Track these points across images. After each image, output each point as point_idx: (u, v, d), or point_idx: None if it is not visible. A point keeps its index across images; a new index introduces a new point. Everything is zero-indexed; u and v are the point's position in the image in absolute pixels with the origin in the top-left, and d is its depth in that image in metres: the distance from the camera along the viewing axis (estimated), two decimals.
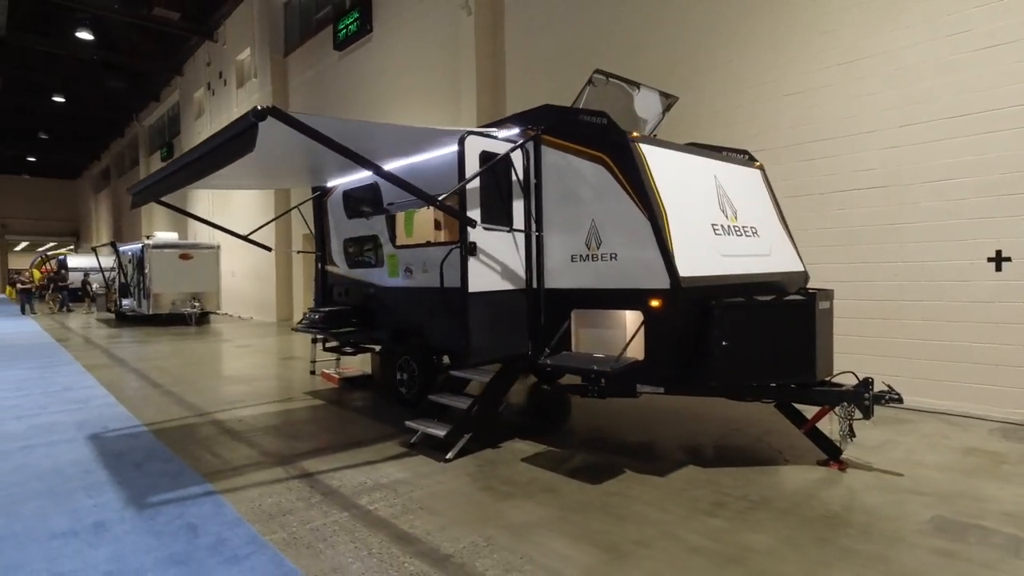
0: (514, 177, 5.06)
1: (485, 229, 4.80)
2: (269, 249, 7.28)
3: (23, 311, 23.59)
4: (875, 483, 4.17)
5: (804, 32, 7.04)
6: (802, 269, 5.68)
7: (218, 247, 18.67)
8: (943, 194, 6.12)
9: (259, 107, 3.54)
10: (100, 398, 7.36)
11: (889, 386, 4.36)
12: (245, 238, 6.22)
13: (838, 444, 4.55)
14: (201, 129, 24.16)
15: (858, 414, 4.34)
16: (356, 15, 14.87)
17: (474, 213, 4.74)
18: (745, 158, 6.07)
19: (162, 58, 26.04)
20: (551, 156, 5.05)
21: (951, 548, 3.20)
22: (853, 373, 4.60)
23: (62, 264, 29.96)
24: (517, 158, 5.09)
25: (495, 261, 4.90)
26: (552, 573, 3.01)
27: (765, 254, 5.25)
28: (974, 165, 5.92)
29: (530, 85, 10.68)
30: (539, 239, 5.15)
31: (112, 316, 20.75)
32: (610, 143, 4.57)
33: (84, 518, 3.72)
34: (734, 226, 5.05)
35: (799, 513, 3.69)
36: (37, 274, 34.22)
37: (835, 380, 4.68)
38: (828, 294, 4.72)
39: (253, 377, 8.88)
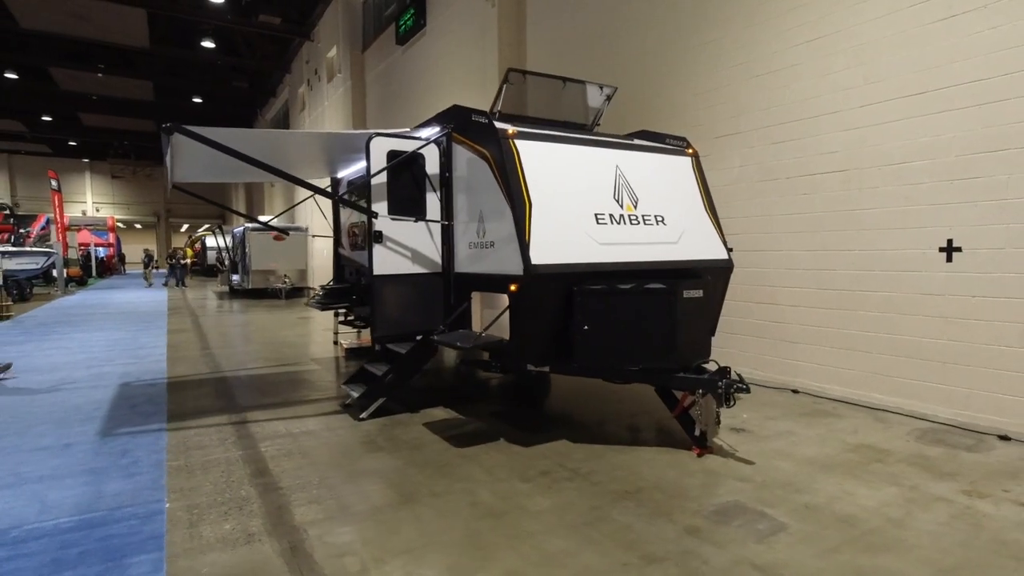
0: (428, 172, 5.61)
1: (392, 219, 5.42)
2: (286, 233, 8.46)
3: (165, 284, 27.85)
4: (714, 468, 4.30)
5: (776, 6, 6.75)
6: (723, 257, 5.67)
7: (307, 229, 20.86)
8: (899, 178, 5.72)
9: (166, 124, 4.45)
10: (156, 356, 9.02)
11: (739, 376, 4.41)
12: (267, 225, 7.44)
13: (703, 430, 4.67)
14: (303, 121, 26.76)
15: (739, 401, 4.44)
16: (412, 11, 15.83)
17: (381, 206, 5.38)
18: (682, 145, 6.10)
19: (274, 58, 29.06)
20: (459, 153, 5.53)
21: (704, 528, 3.39)
22: (715, 362, 4.69)
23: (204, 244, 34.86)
24: (432, 155, 5.63)
25: (404, 247, 5.52)
26: (342, 507, 3.66)
27: (670, 242, 5.36)
28: (929, 147, 5.49)
29: (551, 69, 10.94)
30: (450, 228, 5.68)
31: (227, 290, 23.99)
32: (490, 140, 4.97)
33: (63, 440, 4.95)
34: (630, 215, 5.22)
35: (605, 486, 3.99)
36: (190, 252, 40.11)
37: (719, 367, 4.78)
38: (704, 283, 4.80)
39: (288, 344, 10.25)
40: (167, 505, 3.68)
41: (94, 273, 34.52)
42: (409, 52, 16.69)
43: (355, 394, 5.69)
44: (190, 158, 5.84)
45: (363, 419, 5.51)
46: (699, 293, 4.74)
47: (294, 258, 20.57)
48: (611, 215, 5.11)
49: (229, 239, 23.26)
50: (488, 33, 11.91)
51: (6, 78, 29.64)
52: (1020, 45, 4.90)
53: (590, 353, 4.70)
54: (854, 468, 4.28)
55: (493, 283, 5.02)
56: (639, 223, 5.24)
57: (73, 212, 47.01)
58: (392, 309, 5.46)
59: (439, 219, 5.66)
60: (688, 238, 5.48)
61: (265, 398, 6.40)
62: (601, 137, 5.68)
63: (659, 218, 5.39)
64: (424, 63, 15.80)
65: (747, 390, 4.30)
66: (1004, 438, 4.86)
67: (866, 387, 6.03)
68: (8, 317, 13.82)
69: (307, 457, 4.55)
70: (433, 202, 5.65)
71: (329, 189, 8.61)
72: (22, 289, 18.56)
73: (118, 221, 49.21)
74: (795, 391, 6.50)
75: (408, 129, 5.76)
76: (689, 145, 6.11)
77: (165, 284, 27.77)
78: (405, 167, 5.48)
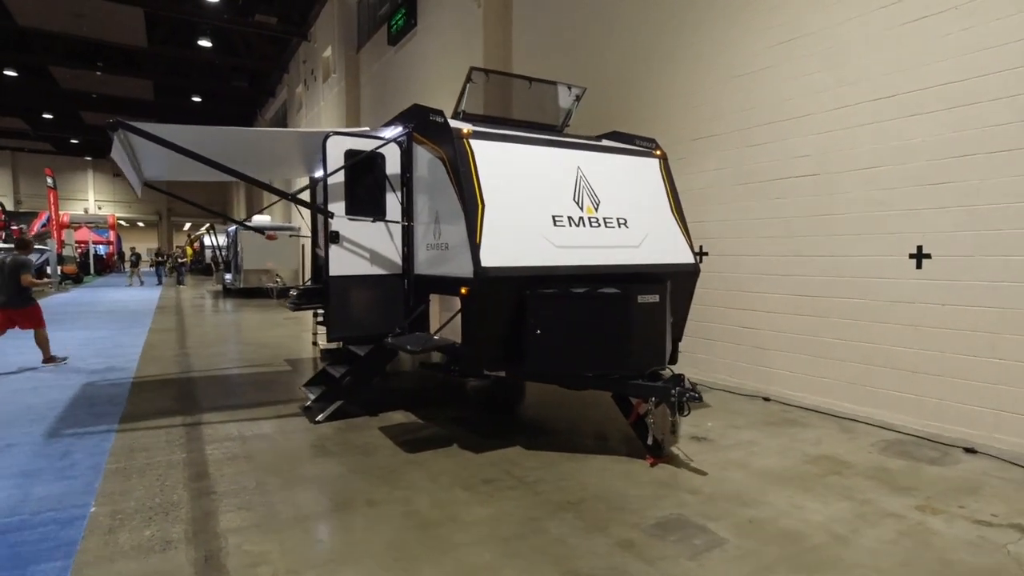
0: (388, 172, 5.51)
1: (349, 220, 5.32)
2: (262, 232, 8.40)
3: (160, 283, 27.84)
4: (664, 478, 4.18)
5: (756, 6, 6.63)
6: (689, 261, 5.55)
7: (299, 229, 20.79)
8: (870, 183, 5.59)
9: (110, 121, 4.36)
10: (131, 356, 8.94)
11: (693, 384, 4.29)
12: (243, 224, 7.37)
13: (657, 439, 4.54)
14: (300, 121, 26.75)
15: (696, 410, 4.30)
16: (403, 11, 15.78)
17: (339, 206, 5.29)
18: (651, 147, 5.99)
19: (273, 58, 29.09)
20: (419, 153, 5.43)
21: (639, 542, 3.26)
22: (670, 370, 4.57)
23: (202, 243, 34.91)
24: (393, 155, 5.54)
25: (362, 248, 5.42)
26: (271, 514, 3.55)
27: (632, 245, 5.24)
28: (900, 151, 5.36)
29: (535, 71, 10.84)
30: (410, 229, 5.57)
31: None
32: (445, 139, 4.86)
33: (6, 440, 4.86)
34: (590, 217, 5.11)
35: (548, 496, 3.87)
36: (190, 250, 40.25)
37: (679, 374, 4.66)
38: (660, 289, 4.68)
39: (267, 344, 10.16)
40: (92, 510, 3.58)
41: (92, 271, 34.60)
42: (401, 52, 16.62)
43: (312, 397, 5.58)
44: (155, 156, 5.76)
45: (319, 422, 5.40)
46: (655, 298, 4.62)
47: (287, 258, 20.51)
48: (570, 217, 5.00)
49: (223, 238, 23.25)
50: (475, 34, 11.83)
51: (7, 76, 29.75)
52: (991, 47, 4.77)
53: (542, 358, 4.59)
54: (809, 481, 4.14)
55: (447, 285, 4.92)
56: (600, 225, 5.13)
57: (75, 210, 47.23)
58: (348, 310, 5.36)
59: (399, 220, 5.56)
60: (651, 241, 5.36)
61: (227, 399, 6.31)
62: (563, 138, 5.57)
63: (621, 221, 5.27)
64: (415, 63, 15.74)
65: (699, 399, 4.18)
66: (970, 451, 4.72)
67: (837, 396, 5.89)
68: None
69: (251, 461, 4.45)
70: (394, 203, 5.55)
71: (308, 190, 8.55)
72: None
73: (121, 219, 49.36)
74: (767, 399, 6.37)
75: (368, 128, 5.65)
76: (658, 147, 6.00)
77: (160, 283, 27.77)
78: (364, 167, 5.38)
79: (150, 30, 24.70)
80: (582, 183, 5.22)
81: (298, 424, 5.41)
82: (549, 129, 6.23)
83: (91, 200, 54.43)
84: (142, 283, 27.42)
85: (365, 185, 5.44)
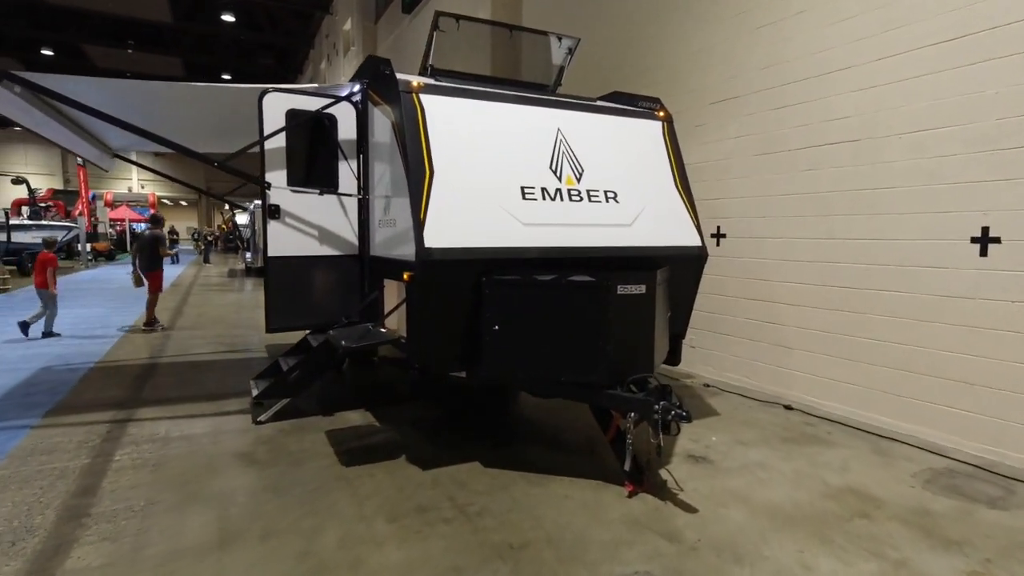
0: (342, 136, 4.76)
1: (292, 192, 4.60)
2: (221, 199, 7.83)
3: (174, 262, 27.95)
4: (640, 515, 3.35)
5: None
6: (693, 243, 4.63)
7: None
8: (923, 149, 4.54)
9: None
10: (112, 336, 8.54)
11: (680, 401, 3.43)
12: (220, 197, 6.80)
13: (639, 463, 3.71)
14: None
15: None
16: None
17: (278, 175, 4.56)
18: (653, 107, 5.06)
19: (298, 34, 28.61)
20: (375, 114, 4.64)
21: None
22: (654, 378, 3.71)
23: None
24: (346, 116, 4.77)
25: (309, 225, 4.70)
26: (137, 547, 2.89)
27: (622, 223, 4.36)
28: (962, 109, 4.29)
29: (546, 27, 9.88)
30: (366, 203, 4.82)
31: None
32: (392, 94, 4.06)
33: None
34: (570, 190, 4.25)
35: (487, 534, 3.10)
36: (223, 228, 40.75)
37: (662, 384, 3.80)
38: (648, 278, 3.79)
39: (256, 326, 9.65)
40: None
41: (128, 248, 35.24)
42: (416, 20, 15.79)
43: (256, 392, 4.94)
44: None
45: (261, 422, 4.76)
46: (640, 289, 3.74)
47: None
48: (544, 189, 4.15)
49: (246, 217, 23.08)
50: None
51: (44, 55, 30.19)
52: None
53: (500, 359, 3.80)
54: (827, 525, 3.26)
55: (395, 270, 4.16)
56: (582, 200, 4.26)
57: (119, 188, 48.29)
58: (291, 296, 4.67)
59: (353, 192, 4.81)
60: (647, 220, 4.46)
61: (179, 390, 5.75)
62: (538, 94, 4.69)
63: (610, 194, 4.39)
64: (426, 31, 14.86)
65: (687, 419, 3.32)
66: None
67: (871, 407, 4.91)
68: (4, 291, 13.79)
69: (158, 471, 3.83)
70: (348, 173, 4.80)
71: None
72: None
73: (163, 198, 50.28)
74: (787, 407, 5.42)
75: (317, 85, 4.89)
76: (661, 107, 5.05)
77: (175, 262, 27.71)
78: (312, 131, 4.63)
79: (173, 5, 24.48)
80: (562, 148, 4.35)
81: (237, 423, 4.78)
82: (539, 90, 5.35)
83: (135, 179, 55.61)
84: (174, 261, 27.63)
85: (313, 152, 4.69)
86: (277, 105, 4.50)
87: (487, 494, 3.58)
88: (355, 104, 4.75)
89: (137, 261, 9.16)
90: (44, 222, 20.08)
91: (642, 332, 3.80)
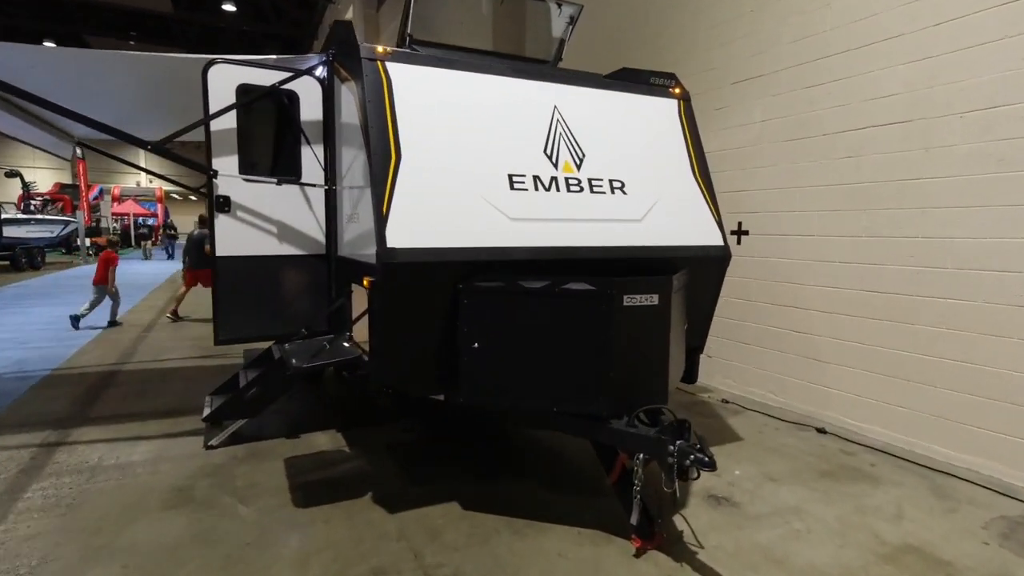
0: (304, 117, 4.10)
1: (245, 181, 3.95)
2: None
3: (170, 255, 27.54)
4: None
5: None
6: (715, 243, 3.94)
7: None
8: (987, 131, 3.81)
9: None
10: (84, 337, 7.98)
11: (700, 438, 2.75)
12: (195, 189, 6.16)
13: (650, 514, 3.03)
14: None
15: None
16: None
17: (228, 161, 3.92)
18: (667, 84, 4.35)
19: (303, 25, 28.01)
20: (342, 90, 3.98)
21: None
22: (669, 410, 3.03)
23: None
24: (310, 93, 4.11)
25: (266, 220, 4.06)
26: None
27: (631, 219, 3.67)
28: None
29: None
30: (334, 194, 4.17)
31: None
32: (354, 65, 3.40)
33: None
34: (569, 178, 3.57)
35: None
36: None
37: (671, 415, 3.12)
38: (661, 286, 3.10)
39: None
40: None
41: (133, 243, 34.92)
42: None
43: (208, 411, 4.32)
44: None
45: (212, 447, 4.14)
46: (652, 300, 3.06)
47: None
48: (536, 177, 3.47)
49: None
50: None
51: (47, 48, 29.83)
52: None
53: (480, 383, 3.14)
54: None
55: (358, 273, 3.50)
56: (582, 190, 3.58)
57: (128, 183, 48.07)
58: (244, 303, 4.04)
59: (317, 182, 4.16)
60: (660, 215, 3.78)
61: (133, 404, 5.14)
62: (530, 64, 4.00)
63: (616, 184, 3.70)
64: (429, 18, 14.18)
65: (711, 467, 2.63)
66: None
67: (925, 435, 4.20)
68: None
69: (70, 514, 3.21)
70: (314, 159, 4.15)
71: None
72: (32, 257, 18.35)
73: (171, 193, 50.03)
74: (821, 430, 4.72)
75: (276, 57, 4.24)
76: (676, 83, 4.35)
77: (169, 258, 27.26)
78: (269, 109, 3.99)
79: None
80: (559, 129, 3.67)
81: (186, 447, 4.16)
82: (536, 65, 4.66)
83: (143, 173, 55.52)
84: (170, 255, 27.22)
85: (270, 134, 4.05)
86: (226, 79, 3.85)
87: (462, 549, 2.92)
88: (319, 79, 4.09)
89: (187, 260, 9.38)
90: (39, 216, 19.64)
91: (654, 353, 3.12)
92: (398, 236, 3.00)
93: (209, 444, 4.15)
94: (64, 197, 28.87)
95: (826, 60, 4.80)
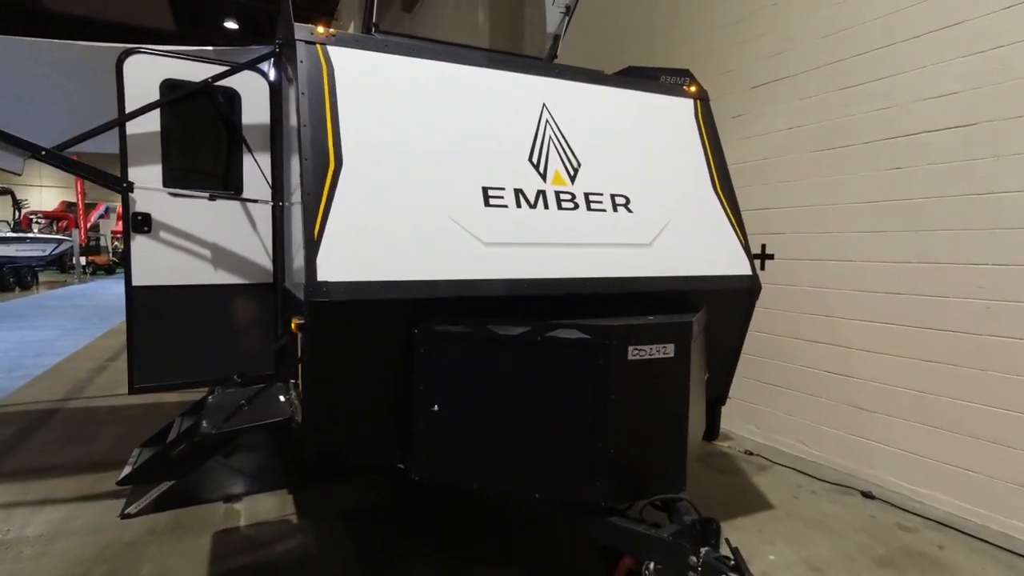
0: (247, 120, 3.44)
1: (171, 195, 3.28)
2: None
3: None
4: None
5: None
6: (741, 272, 3.22)
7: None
8: None
9: None
10: (40, 366, 7.32)
11: (735, 551, 2.00)
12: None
13: None
14: None
15: None
16: None
17: (150, 172, 3.25)
18: (681, 82, 3.68)
19: None
20: (289, 89, 3.32)
21: None
22: (689, 502, 2.28)
23: None
24: (255, 92, 3.46)
25: (197, 242, 3.37)
26: None
27: (636, 243, 2.97)
28: None
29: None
30: (283, 212, 3.49)
31: None
32: (291, 52, 2.73)
33: None
34: (560, 192, 2.87)
35: None
36: None
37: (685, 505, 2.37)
38: (678, 333, 2.38)
39: None
40: None
41: None
42: (416, 18, 14.70)
43: (126, 472, 3.60)
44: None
45: (130, 515, 3.41)
46: (667, 350, 2.33)
47: None
48: (519, 192, 2.78)
49: None
50: None
51: None
52: None
53: (440, 457, 2.42)
54: None
55: (294, 310, 2.81)
56: (577, 207, 2.89)
57: None
58: (167, 342, 3.34)
59: (264, 196, 3.48)
60: (673, 237, 3.07)
61: (55, 454, 4.42)
62: (515, 57, 3.34)
63: (619, 200, 3.01)
64: (429, 29, 13.74)
65: None
66: None
67: (1000, 507, 3.42)
68: None
69: None
70: (256, 170, 3.48)
71: None
72: (21, 277, 17.85)
73: None
74: (868, 494, 3.94)
75: (212, 48, 3.59)
76: (692, 81, 3.67)
77: None
78: (201, 110, 3.33)
79: (176, 13, 23.80)
80: (548, 132, 2.98)
81: (97, 516, 3.43)
82: (523, 58, 3.99)
83: None
84: None
85: (204, 140, 3.38)
86: (147, 73, 3.20)
87: None
88: (266, 76, 3.43)
89: None
90: (29, 235, 19.19)
91: (668, 422, 2.39)
92: (333, 266, 2.30)
93: (126, 512, 3.43)
94: (68, 216, 28.54)
95: (865, 56, 4.11)
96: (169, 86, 3.24)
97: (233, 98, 3.39)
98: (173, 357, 3.35)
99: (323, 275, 2.26)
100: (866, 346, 4.16)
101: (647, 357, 2.28)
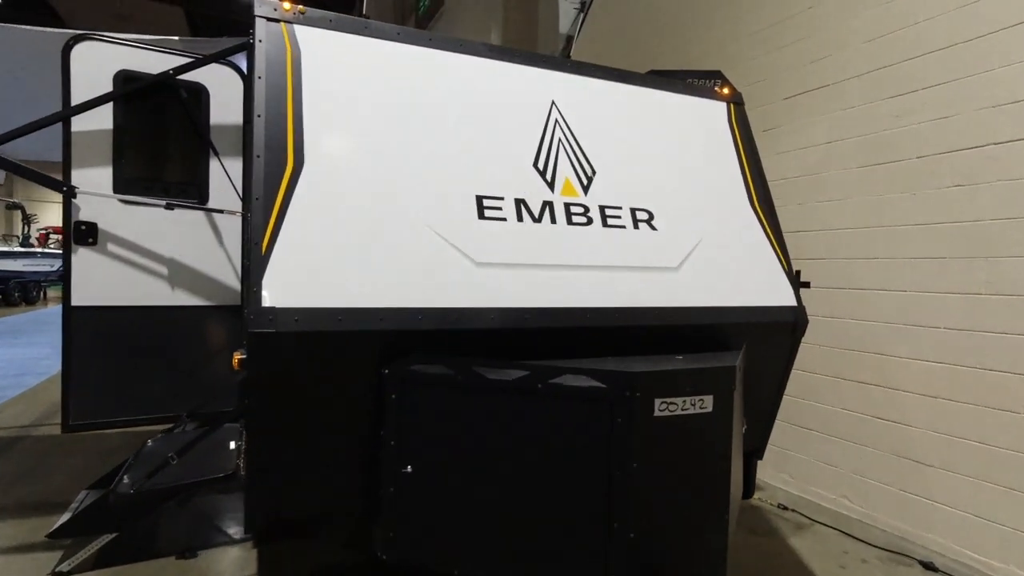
0: (215, 120, 3.03)
1: (122, 202, 2.86)
2: None
3: None
4: None
5: None
6: (785, 303, 2.72)
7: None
8: None
9: None
10: (18, 387, 6.92)
11: None
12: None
13: None
14: None
15: None
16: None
17: (95, 175, 2.83)
18: (712, 83, 3.23)
19: None
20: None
21: None
22: None
23: None
24: (226, 89, 3.05)
25: (152, 257, 2.94)
26: None
27: (661, 266, 2.48)
28: None
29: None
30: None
31: None
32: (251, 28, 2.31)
33: None
34: (570, 204, 2.41)
35: None
36: None
37: None
38: (719, 379, 1.88)
39: None
40: None
41: None
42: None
43: (59, 521, 3.11)
44: None
45: (62, 573, 2.92)
46: (706, 403, 1.83)
47: None
48: (521, 203, 2.32)
49: None
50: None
51: None
52: None
53: (413, 530, 1.91)
54: None
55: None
56: (590, 223, 2.41)
57: None
58: (112, 373, 2.88)
59: (233, 206, 3.05)
60: (705, 261, 2.58)
61: (6, 492, 3.96)
62: (525, 53, 2.91)
63: (641, 215, 2.53)
64: None
65: None
66: None
67: None
68: None
69: None
70: (223, 175, 3.05)
71: None
72: (27, 292, 17.67)
73: None
74: (929, 565, 3.35)
75: (178, 38, 3.20)
76: (724, 82, 3.21)
77: None
78: (160, 106, 2.92)
79: (192, 29, 24.07)
80: (558, 135, 2.53)
81: (31, 570, 2.95)
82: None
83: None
84: None
85: (164, 141, 2.97)
86: (99, 62, 2.81)
87: None
88: (239, 69, 3.03)
89: None
90: (38, 250, 19.08)
91: (705, 496, 1.87)
92: (284, 289, 1.84)
93: (57, 570, 2.94)
94: None
95: (919, 60, 3.64)
96: (125, 78, 2.84)
97: (200, 94, 2.99)
98: (119, 390, 2.89)
99: (271, 300, 1.80)
100: (922, 389, 3.61)
101: (679, 412, 1.78)
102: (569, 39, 3.97)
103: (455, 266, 2.10)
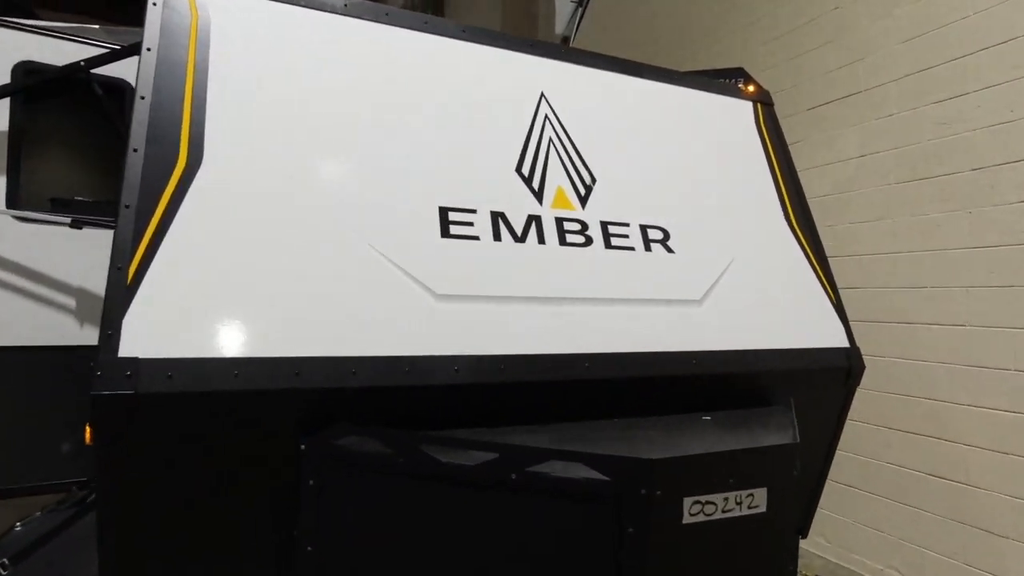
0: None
1: (17, 219, 2.34)
2: None
3: None
4: None
5: None
6: (837, 344, 2.16)
7: None
8: None
9: None
10: None
11: None
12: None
13: None
14: None
15: None
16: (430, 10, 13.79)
17: None
18: (735, 81, 2.73)
19: None
20: None
21: None
22: None
23: None
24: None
25: (56, 286, 2.41)
26: None
27: (680, 298, 1.94)
28: None
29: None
30: None
31: None
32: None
33: None
34: (563, 220, 1.88)
35: None
36: None
37: None
38: (773, 461, 1.32)
39: None
40: None
41: None
42: None
43: None
44: None
45: None
46: (758, 501, 1.26)
47: None
48: (501, 216, 1.79)
49: None
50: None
51: None
52: None
53: None
54: None
55: None
56: (589, 243, 1.88)
57: None
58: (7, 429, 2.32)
59: None
60: (734, 291, 2.04)
61: None
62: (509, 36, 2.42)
63: (652, 234, 2.00)
64: None
65: None
66: None
67: None
68: None
69: None
70: None
71: None
72: None
73: None
74: None
75: (99, 26, 2.72)
76: (749, 80, 2.71)
77: None
78: (70, 104, 2.43)
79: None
80: (547, 133, 2.02)
81: None
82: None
83: None
84: None
85: (74, 146, 2.48)
86: None
87: None
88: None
89: None
90: None
91: None
92: (155, 330, 1.31)
93: None
94: None
95: (970, 59, 3.15)
96: (27, 71, 2.36)
97: (122, 92, 2.50)
98: (7, 450, 2.33)
99: (132, 347, 1.27)
100: (989, 443, 3.02)
101: (719, 516, 1.21)
102: (566, 40, 3.52)
103: (408, 300, 1.56)
